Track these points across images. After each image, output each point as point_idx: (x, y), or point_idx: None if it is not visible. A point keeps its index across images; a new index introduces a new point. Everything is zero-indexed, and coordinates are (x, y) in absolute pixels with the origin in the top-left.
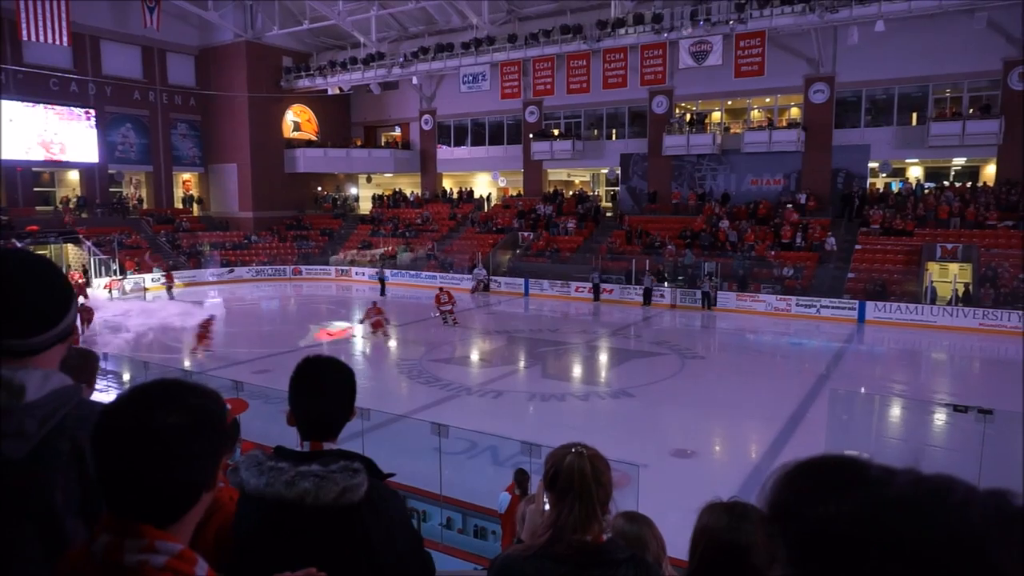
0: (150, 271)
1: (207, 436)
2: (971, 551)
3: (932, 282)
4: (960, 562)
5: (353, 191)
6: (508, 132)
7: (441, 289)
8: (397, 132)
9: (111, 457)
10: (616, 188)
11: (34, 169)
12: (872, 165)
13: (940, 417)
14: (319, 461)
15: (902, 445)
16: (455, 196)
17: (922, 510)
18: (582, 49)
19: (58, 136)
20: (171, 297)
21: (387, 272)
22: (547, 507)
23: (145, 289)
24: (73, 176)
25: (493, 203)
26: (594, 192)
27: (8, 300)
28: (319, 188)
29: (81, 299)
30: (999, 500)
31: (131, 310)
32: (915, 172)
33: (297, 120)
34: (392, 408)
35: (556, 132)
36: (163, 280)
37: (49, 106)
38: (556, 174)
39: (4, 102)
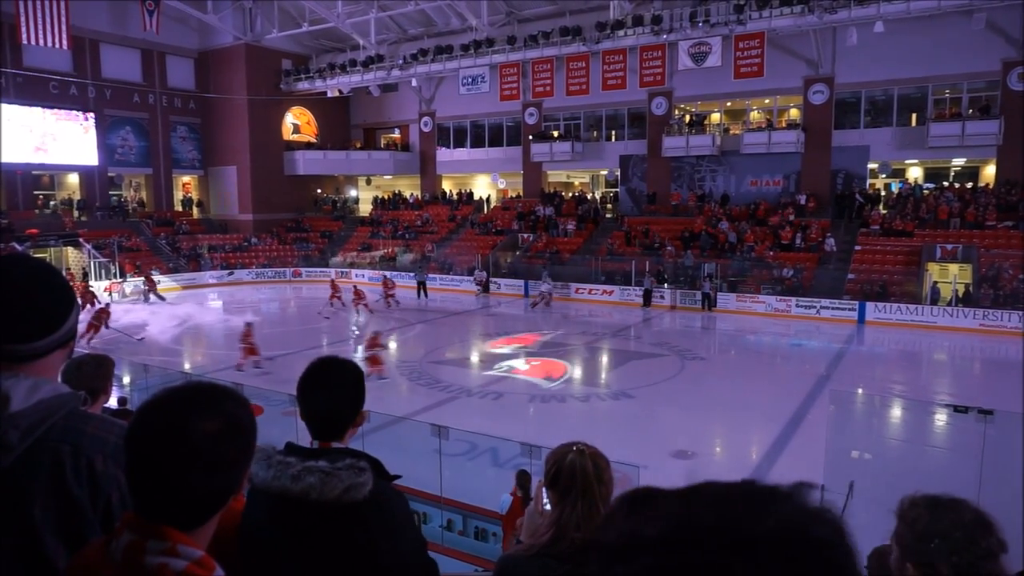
0: (154, 284)
1: (240, 443)
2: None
3: (935, 283)
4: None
5: (353, 193)
6: (507, 134)
7: (386, 276)
8: (396, 134)
9: (144, 459)
10: (616, 189)
11: (34, 172)
12: (872, 166)
13: (940, 418)
14: (327, 458)
15: (902, 445)
16: (455, 198)
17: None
18: (581, 51)
19: (57, 139)
20: (157, 299)
21: (427, 275)
22: (547, 506)
23: (144, 291)
24: (73, 179)
25: (492, 205)
26: (593, 194)
27: (8, 304)
28: (319, 190)
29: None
30: (746, 485)
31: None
32: (915, 173)
33: (296, 122)
34: (392, 410)
35: (555, 134)
36: (144, 285)
37: (48, 109)
38: (556, 176)
39: (4, 105)
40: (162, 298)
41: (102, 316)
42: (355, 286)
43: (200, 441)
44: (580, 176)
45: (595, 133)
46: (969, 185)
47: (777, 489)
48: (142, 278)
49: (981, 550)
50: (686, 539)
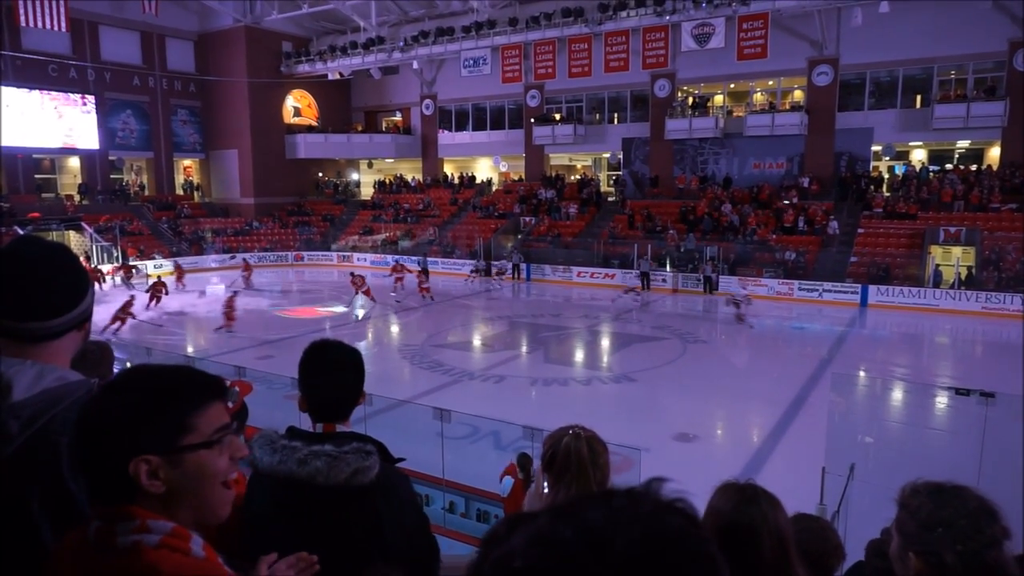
0: (129, 271)
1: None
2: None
3: (937, 266)
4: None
5: (354, 177)
6: (509, 116)
7: (245, 259)
8: (398, 117)
9: (79, 444)
10: (618, 172)
11: (35, 156)
12: (875, 148)
13: (942, 400)
14: (332, 442)
15: (904, 428)
16: (456, 181)
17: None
18: (583, 32)
19: (57, 123)
20: (131, 287)
21: (430, 260)
22: (546, 489)
23: (148, 276)
24: (74, 163)
25: (494, 188)
26: (596, 176)
27: (21, 283)
28: (320, 174)
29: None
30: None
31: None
32: (919, 155)
33: (297, 105)
34: (395, 393)
35: (558, 116)
36: (122, 275)
37: (48, 92)
38: (558, 159)
39: (3, 88)
40: (131, 286)
41: (128, 307)
42: (352, 272)
43: (118, 419)
44: (582, 159)
45: (597, 116)
46: (973, 167)
47: (633, 490)
48: (121, 269)
49: (986, 538)
50: (552, 559)
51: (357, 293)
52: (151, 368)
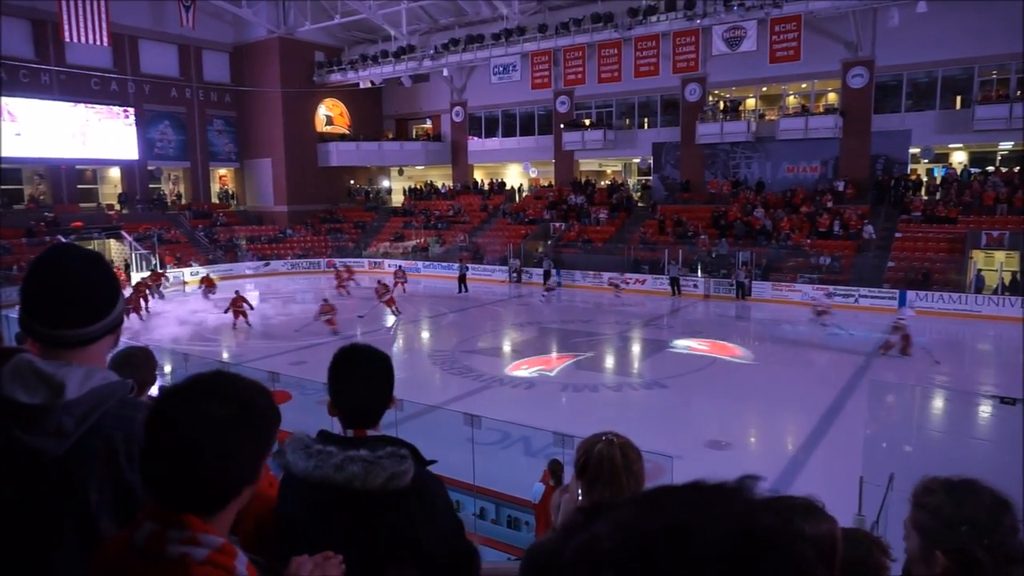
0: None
1: (254, 430)
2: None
3: (979, 271)
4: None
5: (385, 184)
6: (539, 122)
7: (207, 276)
8: (428, 124)
9: (157, 444)
10: (648, 177)
11: (77, 167)
12: (913, 151)
13: (985, 409)
14: (366, 446)
15: (944, 437)
16: (486, 187)
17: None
18: (613, 37)
19: (99, 134)
20: (160, 296)
21: (468, 267)
22: (581, 496)
23: (185, 283)
24: (114, 173)
25: (524, 194)
26: (626, 181)
27: (62, 291)
28: (352, 181)
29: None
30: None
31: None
32: (959, 157)
33: (330, 114)
34: (425, 399)
35: (587, 122)
36: (150, 281)
37: (91, 105)
38: (588, 164)
39: (51, 103)
40: (162, 296)
41: (240, 301)
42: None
43: (212, 426)
44: (612, 164)
45: (627, 121)
46: (1017, 169)
47: (724, 485)
48: (148, 274)
49: (1006, 528)
50: (640, 549)
51: (379, 302)
52: (264, 394)
